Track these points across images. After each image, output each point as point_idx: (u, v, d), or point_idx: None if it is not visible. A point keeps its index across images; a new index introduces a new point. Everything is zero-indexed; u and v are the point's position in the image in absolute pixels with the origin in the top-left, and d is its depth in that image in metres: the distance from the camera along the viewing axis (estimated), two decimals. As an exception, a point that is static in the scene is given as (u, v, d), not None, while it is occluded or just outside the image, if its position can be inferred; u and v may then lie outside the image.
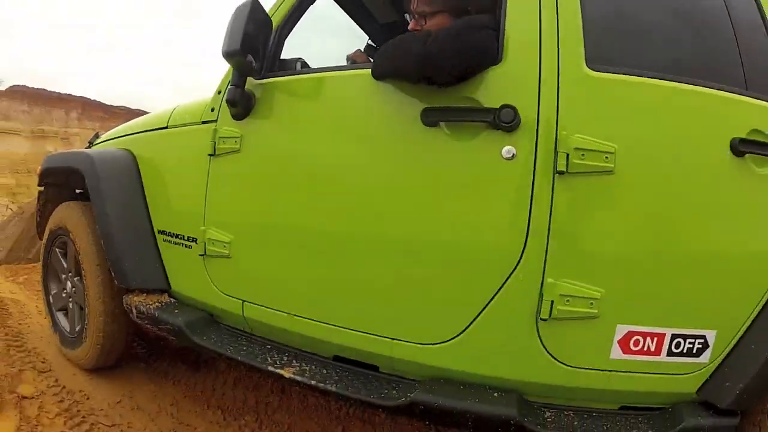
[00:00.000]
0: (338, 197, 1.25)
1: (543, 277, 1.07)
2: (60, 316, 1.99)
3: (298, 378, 1.25)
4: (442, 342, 1.15)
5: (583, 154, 1.04)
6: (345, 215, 1.24)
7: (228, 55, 1.27)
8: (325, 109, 1.30)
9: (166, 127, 1.68)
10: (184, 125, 1.60)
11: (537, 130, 1.06)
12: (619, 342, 1.10)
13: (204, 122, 1.51)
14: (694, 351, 1.12)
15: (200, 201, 1.49)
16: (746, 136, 1.08)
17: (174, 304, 1.59)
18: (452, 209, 1.13)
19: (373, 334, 1.21)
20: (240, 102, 1.35)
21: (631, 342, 1.11)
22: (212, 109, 1.49)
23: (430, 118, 1.12)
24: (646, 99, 1.08)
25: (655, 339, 1.11)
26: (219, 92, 1.49)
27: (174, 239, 1.58)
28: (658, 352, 1.11)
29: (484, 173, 1.10)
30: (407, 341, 1.17)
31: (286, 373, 1.27)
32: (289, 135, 1.34)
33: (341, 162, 1.26)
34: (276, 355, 1.35)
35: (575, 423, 1.12)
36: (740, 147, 1.07)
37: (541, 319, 1.08)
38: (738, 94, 1.10)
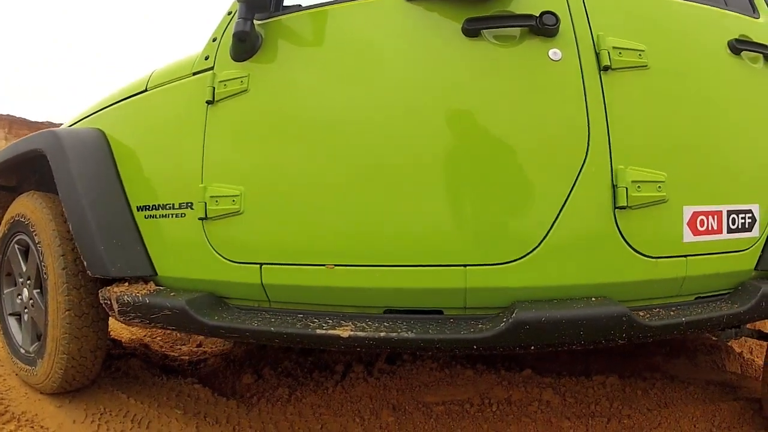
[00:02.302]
0: (379, 119, 1.10)
1: (611, 165, 1.02)
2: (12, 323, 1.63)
3: (361, 334, 1.01)
4: (524, 256, 1.01)
5: (620, 52, 1.07)
6: (388, 136, 1.08)
7: None
8: (351, 37, 1.17)
9: (145, 91, 1.42)
10: (170, 82, 1.36)
11: (575, 33, 1.08)
12: (688, 224, 1.08)
13: (196, 73, 1.30)
14: (746, 225, 1.15)
15: (196, 157, 1.23)
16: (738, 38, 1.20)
17: (166, 290, 1.26)
18: (510, 115, 1.05)
19: (440, 266, 1.03)
20: (251, 36, 1.17)
21: (698, 222, 1.10)
22: (206, 57, 1.29)
23: (473, 26, 1.06)
24: (654, 10, 1.16)
25: (716, 217, 1.11)
26: (214, 39, 1.29)
27: (161, 211, 1.27)
28: (720, 230, 1.12)
29: (535, 75, 1.06)
30: (484, 264, 1.01)
31: (343, 332, 1.02)
32: (311, 67, 1.17)
33: (378, 85, 1.12)
34: (316, 320, 1.08)
35: (672, 313, 1.06)
36: (737, 46, 1.19)
37: (617, 208, 1.02)
38: (723, 9, 1.24)
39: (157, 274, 1.29)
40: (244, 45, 1.21)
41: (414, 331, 1.00)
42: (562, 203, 1.02)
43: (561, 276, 1.03)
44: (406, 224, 1.05)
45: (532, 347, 1.00)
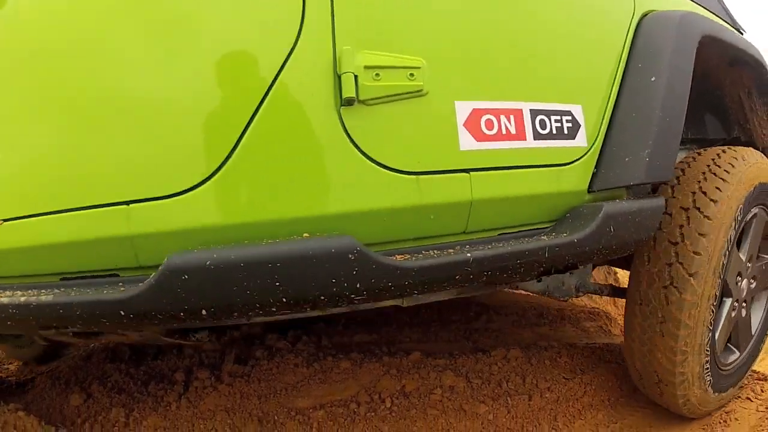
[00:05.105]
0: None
1: (334, 43, 0.70)
2: None
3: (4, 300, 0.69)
4: (200, 183, 0.66)
5: None
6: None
7: None
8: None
9: None
10: None
11: None
12: (465, 125, 0.75)
13: None
14: (565, 131, 0.80)
15: None
16: None
17: None
18: None
19: (98, 206, 0.69)
20: None
21: (483, 123, 0.75)
22: None
23: None
24: None
25: (512, 117, 0.77)
26: None
27: None
28: (521, 135, 0.77)
29: None
30: (150, 199, 0.68)
31: None
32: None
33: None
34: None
35: (451, 251, 0.69)
36: None
37: (344, 103, 0.69)
38: None
39: None
40: None
41: (55, 295, 0.67)
42: (258, 101, 0.69)
43: (262, 209, 0.66)
44: (60, 148, 0.72)
45: (204, 311, 0.63)
